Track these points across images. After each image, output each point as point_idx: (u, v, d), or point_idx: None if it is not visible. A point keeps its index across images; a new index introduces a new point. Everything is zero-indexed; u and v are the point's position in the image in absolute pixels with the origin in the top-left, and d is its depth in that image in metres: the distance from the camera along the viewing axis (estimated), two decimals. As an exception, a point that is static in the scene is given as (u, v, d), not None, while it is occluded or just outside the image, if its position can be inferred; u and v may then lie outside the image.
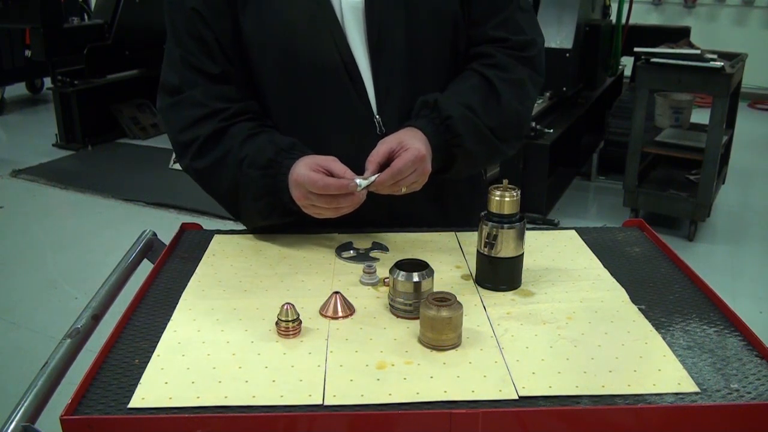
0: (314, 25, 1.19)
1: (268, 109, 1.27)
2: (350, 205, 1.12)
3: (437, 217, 1.36)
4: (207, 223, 1.53)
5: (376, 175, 1.11)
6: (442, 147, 1.19)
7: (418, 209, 1.31)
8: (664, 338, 0.95)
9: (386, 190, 1.13)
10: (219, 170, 1.21)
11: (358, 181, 1.10)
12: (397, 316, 1.01)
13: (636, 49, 3.79)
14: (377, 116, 1.24)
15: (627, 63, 5.03)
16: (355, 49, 1.21)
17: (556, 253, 1.23)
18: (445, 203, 1.37)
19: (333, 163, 1.12)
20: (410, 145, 1.12)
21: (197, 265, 1.18)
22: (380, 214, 1.28)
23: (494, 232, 1.06)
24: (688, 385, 0.85)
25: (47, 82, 6.29)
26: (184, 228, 1.33)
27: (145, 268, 1.21)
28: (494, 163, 1.36)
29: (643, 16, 6.47)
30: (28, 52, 6.17)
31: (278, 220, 1.25)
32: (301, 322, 0.96)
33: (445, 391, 0.83)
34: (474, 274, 1.13)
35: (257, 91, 1.27)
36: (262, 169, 1.17)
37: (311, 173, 1.10)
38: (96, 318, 1.06)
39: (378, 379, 0.86)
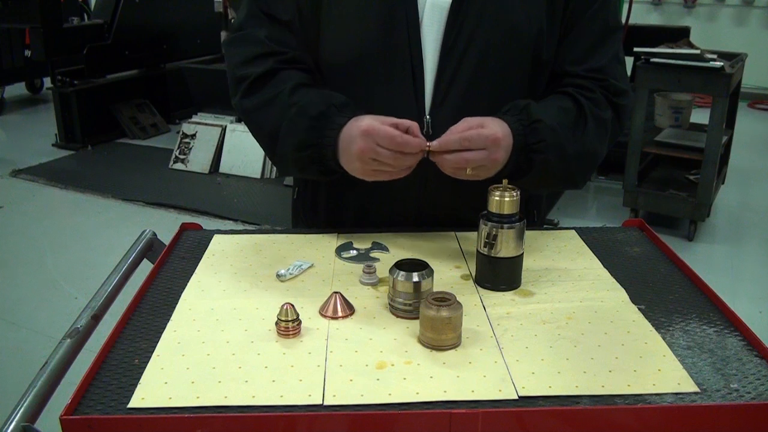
0: (394, 17, 1.19)
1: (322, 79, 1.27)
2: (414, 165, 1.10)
3: (463, 219, 1.35)
4: (207, 223, 1.53)
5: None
6: (522, 149, 1.15)
7: (444, 211, 1.31)
8: (663, 338, 0.95)
9: (451, 165, 1.10)
10: (265, 111, 1.21)
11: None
12: (397, 316, 1.01)
13: (636, 49, 3.79)
14: (428, 116, 1.22)
15: (627, 63, 5.03)
16: (426, 48, 1.20)
17: (556, 253, 1.23)
18: (467, 205, 1.37)
19: (411, 124, 1.10)
20: (489, 127, 1.10)
21: (197, 265, 1.18)
22: (408, 215, 1.27)
23: (494, 232, 1.06)
24: (688, 385, 0.85)
25: (47, 82, 6.28)
26: (184, 228, 1.33)
27: (145, 268, 1.21)
28: (557, 189, 1.34)
29: (643, 16, 6.47)
30: (28, 52, 6.17)
31: (313, 176, 1.24)
32: (300, 322, 0.96)
33: (445, 391, 0.83)
34: (474, 274, 1.13)
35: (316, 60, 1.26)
36: (311, 119, 1.16)
37: (388, 128, 1.08)
38: (96, 318, 1.06)
39: (378, 379, 0.86)
